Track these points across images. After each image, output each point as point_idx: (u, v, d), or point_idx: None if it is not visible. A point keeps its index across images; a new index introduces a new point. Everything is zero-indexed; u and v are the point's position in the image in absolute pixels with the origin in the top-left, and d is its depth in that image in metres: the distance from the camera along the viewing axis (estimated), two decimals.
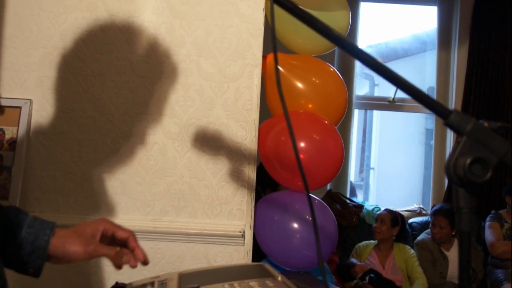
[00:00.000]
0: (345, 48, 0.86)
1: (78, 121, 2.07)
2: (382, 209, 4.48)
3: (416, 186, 6.07)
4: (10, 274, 1.03)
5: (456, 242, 4.15)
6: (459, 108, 5.01)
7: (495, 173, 4.87)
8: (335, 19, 2.25)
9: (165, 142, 2.07)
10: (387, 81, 0.85)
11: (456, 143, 0.80)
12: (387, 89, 5.53)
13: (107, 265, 2.04)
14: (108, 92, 2.07)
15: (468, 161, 0.76)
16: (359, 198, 5.33)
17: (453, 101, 5.17)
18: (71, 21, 2.08)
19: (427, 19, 5.79)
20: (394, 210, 4.33)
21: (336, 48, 3.70)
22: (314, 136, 2.15)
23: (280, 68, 2.19)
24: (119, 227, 1.17)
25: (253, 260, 2.07)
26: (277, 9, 0.87)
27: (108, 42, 2.08)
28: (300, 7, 0.84)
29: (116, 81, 2.07)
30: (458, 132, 0.80)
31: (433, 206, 4.62)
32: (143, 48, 2.08)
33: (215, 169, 2.07)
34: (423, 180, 5.96)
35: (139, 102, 2.07)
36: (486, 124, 0.79)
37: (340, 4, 2.27)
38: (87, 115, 2.07)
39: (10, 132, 2.04)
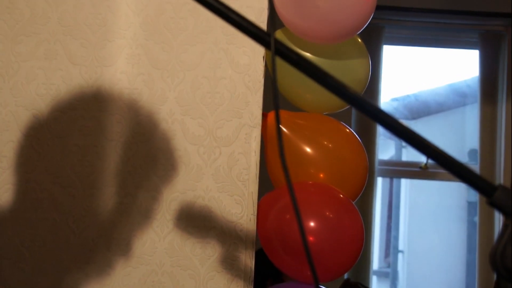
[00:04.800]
0: (363, 109, 0.87)
1: (31, 196, 2.06)
2: None
3: (457, 274, 6.01)
4: None
5: None
6: (509, 176, 5.00)
7: None
8: (351, 70, 2.27)
9: (141, 222, 2.06)
10: (414, 149, 0.86)
11: (504, 227, 0.80)
12: (417, 152, 5.54)
13: None
14: (70, 159, 2.07)
15: None
16: None
17: (502, 168, 5.14)
18: (25, 71, 2.10)
19: (466, 66, 5.85)
20: None
21: None
22: (327, 213, 2.14)
23: (283, 128, 2.20)
24: None
25: None
26: (280, 60, 0.89)
27: (72, 97, 2.10)
28: (307, 56, 0.86)
29: (80, 145, 2.08)
30: (505, 213, 0.80)
31: None
32: (114, 104, 2.09)
33: (204, 255, 2.05)
34: (466, 266, 5.91)
35: (109, 171, 2.07)
36: None
37: (358, 51, 2.30)
38: (43, 188, 2.06)
39: None
